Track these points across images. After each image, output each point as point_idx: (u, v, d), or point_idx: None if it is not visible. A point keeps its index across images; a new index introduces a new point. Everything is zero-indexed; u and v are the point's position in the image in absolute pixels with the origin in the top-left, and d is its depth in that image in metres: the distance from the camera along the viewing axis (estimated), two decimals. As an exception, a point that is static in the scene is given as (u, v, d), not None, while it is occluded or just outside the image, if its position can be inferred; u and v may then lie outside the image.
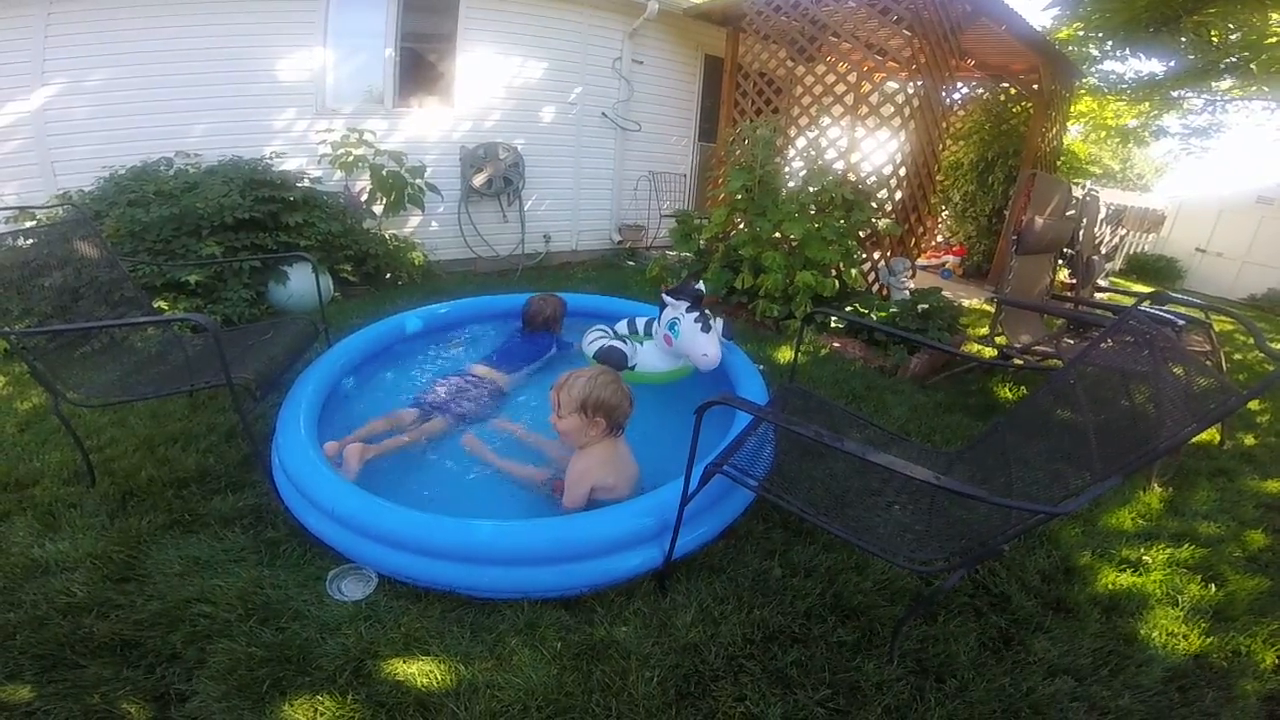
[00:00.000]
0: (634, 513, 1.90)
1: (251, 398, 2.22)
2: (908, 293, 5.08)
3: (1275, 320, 8.84)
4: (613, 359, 3.11)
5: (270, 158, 4.88)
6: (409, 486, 2.37)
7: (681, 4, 6.92)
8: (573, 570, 1.84)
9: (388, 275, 5.27)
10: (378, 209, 5.34)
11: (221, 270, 4.11)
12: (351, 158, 5.05)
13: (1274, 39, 6.99)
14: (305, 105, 5.33)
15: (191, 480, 2.33)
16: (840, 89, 5.22)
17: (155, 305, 3.60)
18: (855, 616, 1.86)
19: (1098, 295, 5.12)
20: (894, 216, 5.24)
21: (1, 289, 2.33)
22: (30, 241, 2.56)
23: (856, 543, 1.63)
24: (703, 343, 2.90)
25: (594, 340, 3.32)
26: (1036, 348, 3.68)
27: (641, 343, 3.36)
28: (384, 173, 5.16)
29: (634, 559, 1.88)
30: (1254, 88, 8.68)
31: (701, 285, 3.17)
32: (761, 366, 3.51)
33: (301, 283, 4.41)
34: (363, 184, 5.32)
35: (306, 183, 4.93)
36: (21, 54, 4.40)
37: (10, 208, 3.41)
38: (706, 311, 2.98)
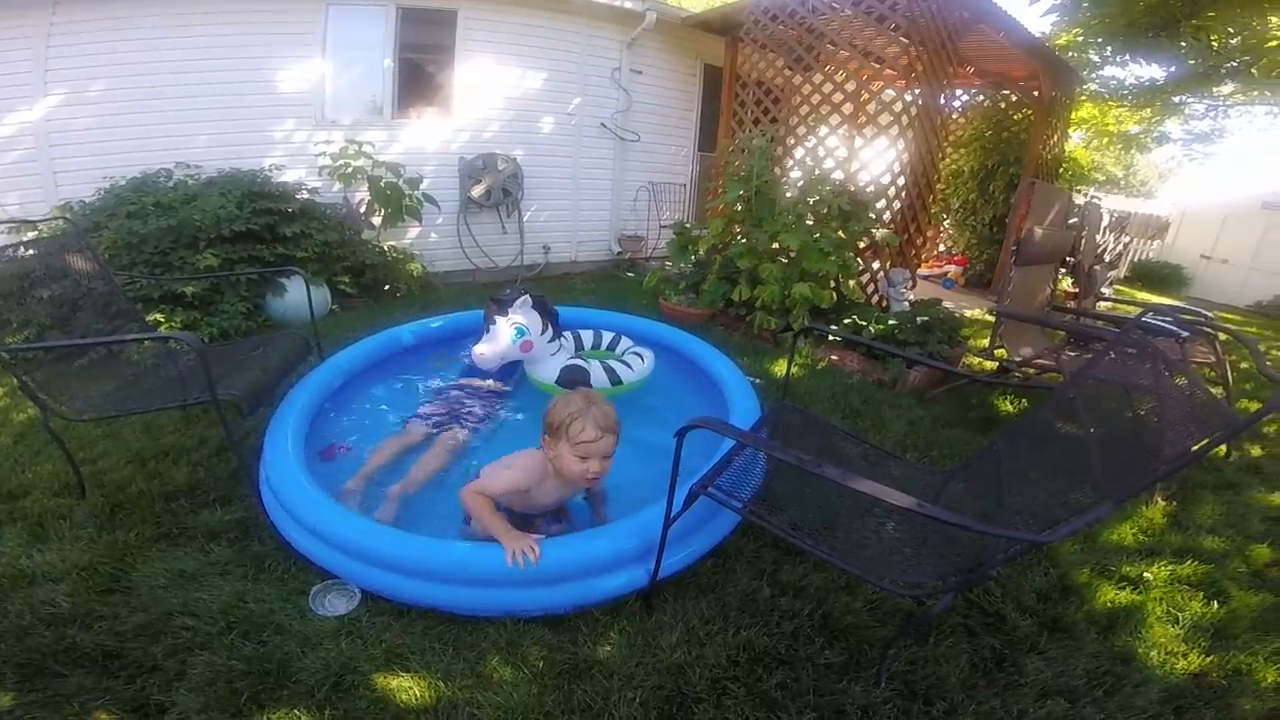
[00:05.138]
0: (618, 534, 1.88)
1: (239, 413, 2.22)
2: (908, 304, 5.05)
3: (1281, 327, 8.73)
4: (579, 378, 3.09)
5: (269, 170, 4.91)
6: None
7: (680, 13, 6.95)
8: (555, 591, 1.82)
9: (386, 287, 5.27)
10: (376, 220, 5.36)
11: (219, 282, 4.12)
12: (350, 169, 5.06)
13: (1274, 42, 6.98)
14: (305, 116, 5.38)
15: (181, 493, 2.33)
16: (838, 98, 5.21)
17: (151, 317, 3.61)
18: (844, 637, 1.83)
19: (1101, 305, 5.08)
20: (893, 226, 5.21)
21: (1, 300, 2.34)
22: (30, 253, 2.58)
23: (843, 566, 1.60)
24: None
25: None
26: (1037, 361, 3.64)
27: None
28: (382, 184, 5.18)
29: (619, 579, 1.86)
30: (1255, 92, 8.67)
31: (519, 296, 3.12)
32: (757, 380, 3.50)
33: (299, 295, 4.39)
34: (361, 195, 5.34)
35: (305, 194, 4.95)
36: (24, 64, 4.46)
37: (12, 220, 3.42)
38: (495, 317, 3.03)
